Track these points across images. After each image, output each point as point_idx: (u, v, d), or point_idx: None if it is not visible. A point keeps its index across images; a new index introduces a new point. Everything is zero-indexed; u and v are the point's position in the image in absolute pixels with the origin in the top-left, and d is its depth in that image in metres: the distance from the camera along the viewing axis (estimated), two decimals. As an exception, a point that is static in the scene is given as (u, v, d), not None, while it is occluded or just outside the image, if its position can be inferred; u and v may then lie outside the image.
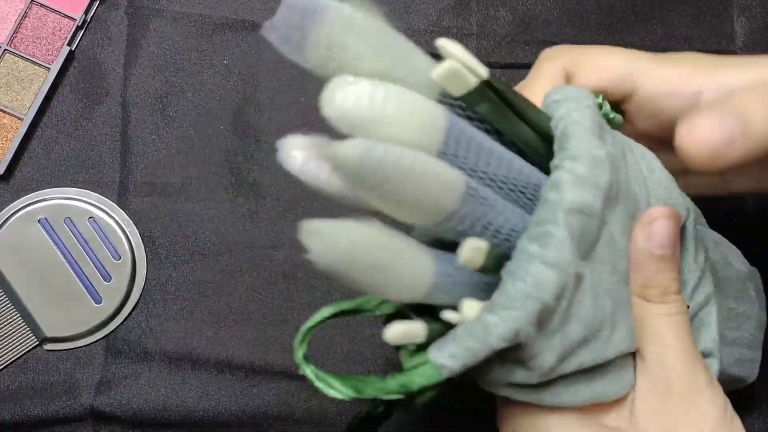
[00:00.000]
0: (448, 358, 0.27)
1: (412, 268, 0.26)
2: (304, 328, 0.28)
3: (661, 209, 0.30)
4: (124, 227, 0.46)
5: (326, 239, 0.24)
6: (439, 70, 0.26)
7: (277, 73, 0.47)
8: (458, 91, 0.27)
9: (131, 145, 0.47)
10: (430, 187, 0.24)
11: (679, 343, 0.30)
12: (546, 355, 0.28)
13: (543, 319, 0.27)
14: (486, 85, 0.27)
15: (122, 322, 0.45)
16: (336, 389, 0.27)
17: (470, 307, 0.27)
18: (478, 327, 0.26)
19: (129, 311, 0.46)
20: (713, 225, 0.36)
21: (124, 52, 0.47)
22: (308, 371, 0.28)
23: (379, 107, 0.24)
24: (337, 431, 0.44)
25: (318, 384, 0.27)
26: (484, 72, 0.27)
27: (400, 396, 0.28)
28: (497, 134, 0.29)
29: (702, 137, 0.27)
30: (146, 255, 0.46)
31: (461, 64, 0.26)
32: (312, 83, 0.47)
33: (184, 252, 0.46)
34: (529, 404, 0.31)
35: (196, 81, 0.47)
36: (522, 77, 0.35)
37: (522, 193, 0.28)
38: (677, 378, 0.30)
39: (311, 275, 0.46)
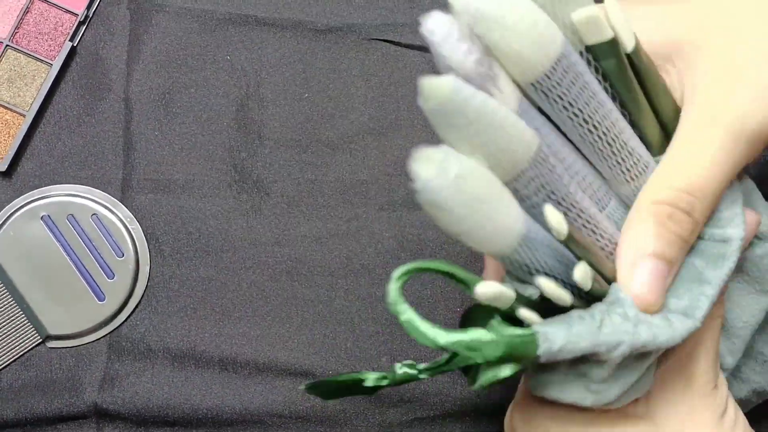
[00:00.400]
0: (553, 334, 0.27)
1: (507, 213, 0.26)
2: (410, 265, 0.26)
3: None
4: (127, 224, 0.46)
5: (438, 165, 0.23)
6: (580, 13, 0.27)
7: (280, 68, 0.47)
8: (591, 39, 0.27)
9: (134, 142, 0.46)
10: (507, 138, 0.25)
11: (710, 343, 0.32)
12: (611, 389, 0.28)
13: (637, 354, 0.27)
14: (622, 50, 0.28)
15: (125, 320, 0.45)
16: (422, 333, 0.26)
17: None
18: (593, 318, 0.27)
19: (132, 308, 0.45)
20: None
21: (126, 48, 0.47)
22: (398, 307, 0.26)
23: (504, 8, 0.25)
24: (341, 429, 0.44)
25: (403, 321, 0.26)
26: (629, 46, 0.28)
27: (478, 355, 0.26)
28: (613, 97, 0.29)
29: (640, 293, 0.28)
30: (149, 252, 0.46)
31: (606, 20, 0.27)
32: (315, 79, 0.47)
33: (188, 249, 0.46)
34: None
35: (199, 77, 0.47)
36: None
37: (609, 145, 0.29)
38: (701, 373, 0.31)
39: (315, 272, 0.45)
